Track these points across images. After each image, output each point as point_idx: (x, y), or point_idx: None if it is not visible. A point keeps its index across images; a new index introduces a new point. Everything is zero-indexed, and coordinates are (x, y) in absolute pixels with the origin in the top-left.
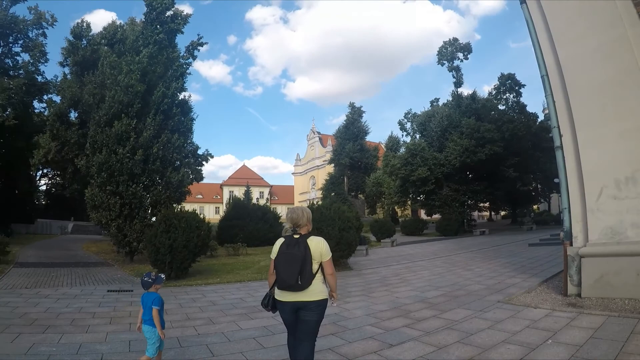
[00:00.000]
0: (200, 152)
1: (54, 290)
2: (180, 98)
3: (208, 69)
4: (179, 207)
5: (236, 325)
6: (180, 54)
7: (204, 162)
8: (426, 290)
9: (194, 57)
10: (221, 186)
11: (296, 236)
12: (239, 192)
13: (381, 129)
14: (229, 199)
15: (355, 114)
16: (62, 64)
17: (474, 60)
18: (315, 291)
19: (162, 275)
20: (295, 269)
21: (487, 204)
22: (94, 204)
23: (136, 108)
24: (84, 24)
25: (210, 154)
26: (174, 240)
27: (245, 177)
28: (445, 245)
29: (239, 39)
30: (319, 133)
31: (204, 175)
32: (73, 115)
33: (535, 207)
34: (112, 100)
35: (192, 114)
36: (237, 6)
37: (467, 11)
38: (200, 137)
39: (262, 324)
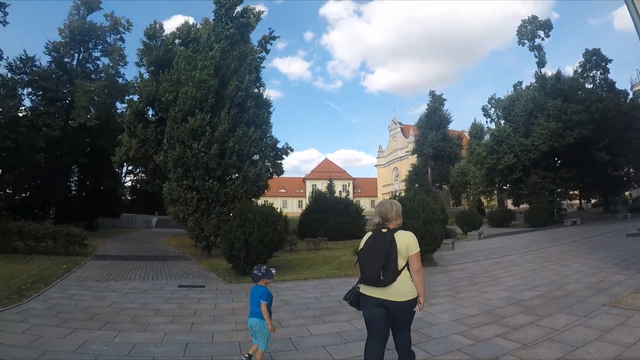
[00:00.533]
0: (279, 145)
1: (124, 284)
2: (255, 91)
3: (287, 66)
4: (257, 201)
5: (306, 330)
6: (254, 48)
7: (283, 156)
8: (520, 290)
9: (267, 51)
10: (304, 180)
11: (384, 230)
12: (322, 186)
13: (464, 117)
14: (312, 192)
15: (437, 102)
16: (138, 65)
17: (554, 40)
18: (404, 291)
19: (273, 270)
20: (378, 263)
21: (576, 192)
22: (171, 199)
23: (210, 103)
24: (157, 25)
25: (290, 147)
26: (249, 235)
27: (328, 170)
28: (535, 237)
29: (316, 34)
30: (400, 124)
31: (284, 169)
32: (151, 113)
33: (627, 193)
34: (185, 96)
35: (270, 108)
36: (310, 3)
37: None
38: (283, 133)
39: (335, 329)
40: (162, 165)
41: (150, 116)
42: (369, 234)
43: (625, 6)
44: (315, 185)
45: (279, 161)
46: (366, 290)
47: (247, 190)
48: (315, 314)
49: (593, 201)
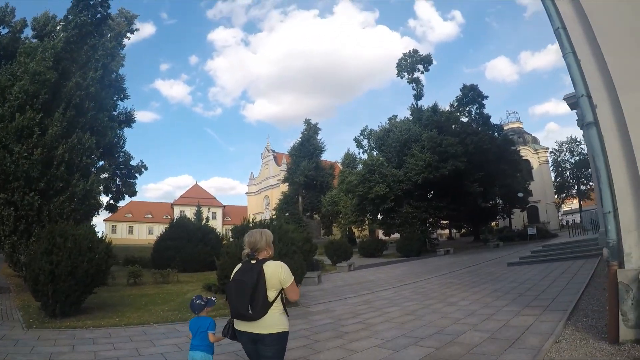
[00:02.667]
0: (133, 162)
1: None
2: (98, 92)
3: (169, 88)
4: (90, 222)
5: None
6: (106, 38)
7: (137, 174)
8: (401, 345)
9: (123, 46)
10: (172, 206)
11: (253, 261)
12: (190, 212)
13: (338, 151)
14: (179, 217)
15: (311, 130)
16: None
17: (430, 83)
18: (272, 323)
19: (214, 298)
20: (245, 297)
21: (446, 222)
22: None
23: (43, 99)
24: (8, 8)
25: (145, 165)
26: (56, 265)
27: (197, 196)
28: (410, 268)
29: (200, 59)
30: (273, 151)
31: (136, 191)
32: None
33: (493, 223)
34: (18, 91)
35: (132, 123)
36: (200, 26)
37: (423, 38)
38: (157, 156)
39: None
40: None
41: None
42: (238, 265)
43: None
44: (183, 211)
45: (132, 180)
46: (238, 324)
47: (74, 209)
48: None
49: (462, 231)
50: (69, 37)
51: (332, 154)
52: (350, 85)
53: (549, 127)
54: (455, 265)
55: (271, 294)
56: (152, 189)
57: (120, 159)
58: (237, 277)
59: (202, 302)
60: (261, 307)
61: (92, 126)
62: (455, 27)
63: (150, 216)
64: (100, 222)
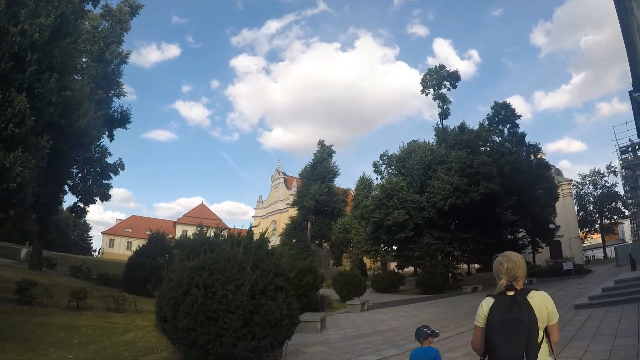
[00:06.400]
0: (110, 160)
1: None
2: (48, 43)
3: (188, 110)
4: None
5: None
6: None
7: (111, 174)
8: None
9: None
10: (175, 224)
11: (510, 293)
12: (192, 232)
13: (351, 183)
14: (181, 237)
15: (325, 152)
16: None
17: (447, 121)
18: None
19: (438, 331)
20: (520, 341)
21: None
22: None
23: None
24: None
25: (122, 164)
26: None
27: (202, 216)
28: (439, 310)
29: (222, 84)
30: (284, 174)
31: (109, 194)
32: None
33: None
34: None
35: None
36: (224, 52)
37: None
38: (170, 175)
39: None
40: None
41: None
42: (490, 300)
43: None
44: (186, 230)
45: (107, 181)
46: None
47: None
48: None
49: (477, 266)
50: None
51: (346, 183)
52: (367, 118)
53: (562, 164)
54: None
55: (540, 334)
56: (163, 207)
57: (94, 154)
58: (504, 316)
59: (429, 331)
60: (535, 352)
61: (33, 87)
62: (472, 65)
63: (149, 233)
64: (97, 235)
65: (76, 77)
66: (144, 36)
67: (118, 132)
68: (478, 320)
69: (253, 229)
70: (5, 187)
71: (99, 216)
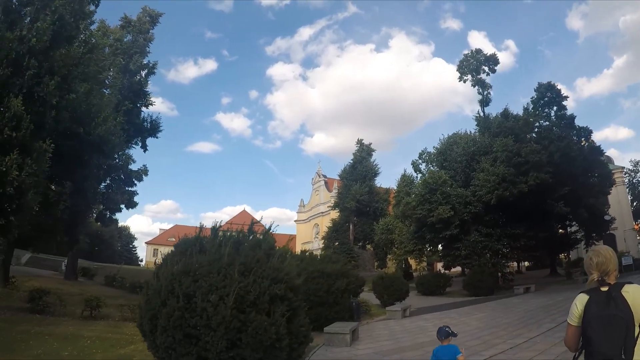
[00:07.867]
0: (133, 167)
1: None
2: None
3: (230, 121)
4: None
5: None
6: None
7: (135, 181)
8: None
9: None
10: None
11: (603, 288)
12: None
13: (394, 183)
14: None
15: (364, 151)
16: None
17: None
18: None
19: (457, 332)
20: (618, 337)
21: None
22: None
23: None
24: None
25: (146, 170)
26: None
27: (244, 222)
28: (489, 316)
29: (260, 94)
30: (324, 176)
31: (136, 202)
32: None
33: (561, 255)
34: None
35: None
36: (260, 62)
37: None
38: (215, 185)
39: None
40: None
41: None
42: (584, 297)
43: None
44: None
45: (130, 188)
46: None
47: None
48: None
49: (526, 263)
50: None
51: (389, 184)
52: (407, 118)
53: (609, 153)
54: (555, 310)
55: (637, 331)
56: (209, 217)
57: (117, 162)
58: (601, 312)
59: (449, 331)
60: (631, 348)
61: (32, 91)
62: (510, 56)
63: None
64: (142, 246)
65: (104, 91)
66: (179, 53)
67: (162, 146)
68: (572, 319)
69: (274, 228)
70: (2, 192)
71: (147, 228)
